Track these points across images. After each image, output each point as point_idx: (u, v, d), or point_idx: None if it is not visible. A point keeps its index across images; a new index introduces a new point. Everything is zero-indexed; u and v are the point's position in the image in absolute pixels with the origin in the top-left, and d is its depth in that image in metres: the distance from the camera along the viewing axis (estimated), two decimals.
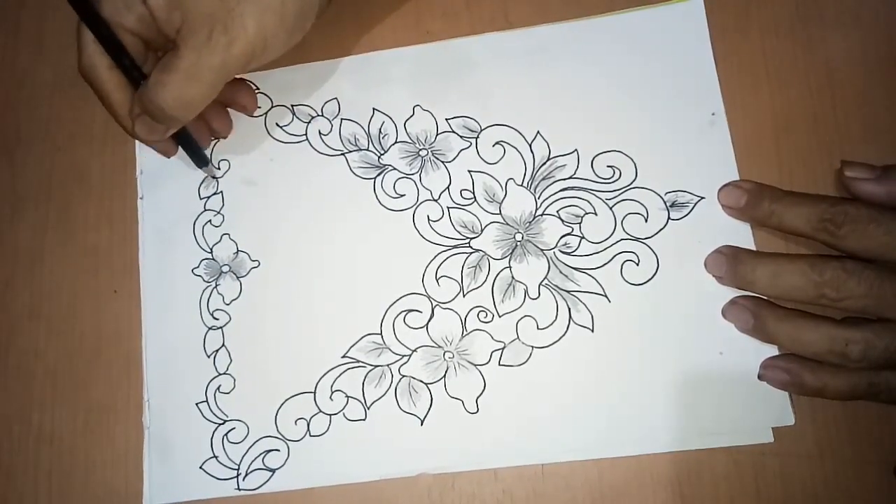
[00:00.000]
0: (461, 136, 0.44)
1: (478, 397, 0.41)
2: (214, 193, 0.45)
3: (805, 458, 0.39)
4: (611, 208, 0.43)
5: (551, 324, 0.42)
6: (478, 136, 0.44)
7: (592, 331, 0.41)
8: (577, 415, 0.40)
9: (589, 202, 0.43)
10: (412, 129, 0.45)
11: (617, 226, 0.42)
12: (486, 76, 0.45)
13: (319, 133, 0.45)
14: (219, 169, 0.45)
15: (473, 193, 0.44)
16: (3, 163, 0.46)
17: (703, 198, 0.42)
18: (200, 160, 0.44)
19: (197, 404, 0.42)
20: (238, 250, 0.44)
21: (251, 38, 0.38)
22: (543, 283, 0.42)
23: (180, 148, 0.44)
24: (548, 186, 0.43)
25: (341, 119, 0.45)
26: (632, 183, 0.43)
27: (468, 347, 0.42)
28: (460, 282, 0.43)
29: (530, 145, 0.44)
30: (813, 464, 0.39)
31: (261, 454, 0.41)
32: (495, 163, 0.44)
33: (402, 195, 0.44)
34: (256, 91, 0.46)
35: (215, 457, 0.41)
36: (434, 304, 0.42)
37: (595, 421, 0.40)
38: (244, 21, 0.38)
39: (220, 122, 0.45)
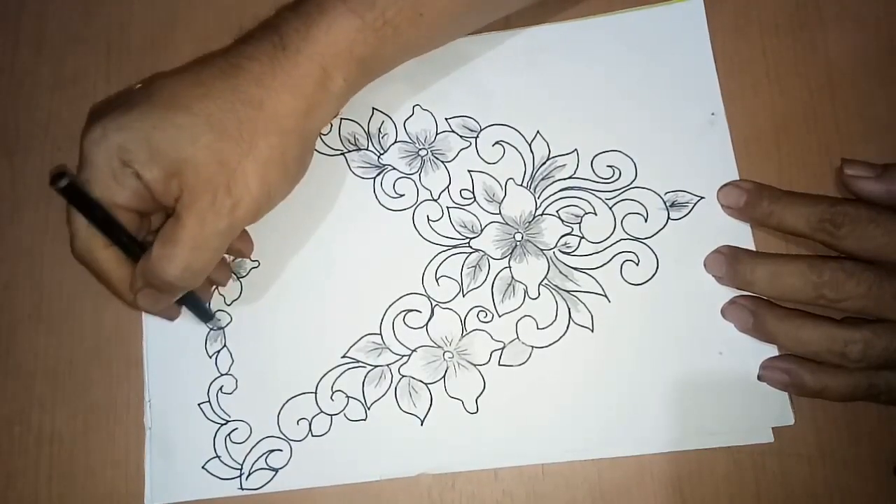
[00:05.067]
0: (461, 136, 0.44)
1: (478, 397, 0.41)
2: None
3: (805, 458, 0.40)
4: (610, 208, 0.43)
5: (551, 324, 0.42)
6: (477, 136, 0.44)
7: (592, 331, 0.41)
8: (577, 415, 0.40)
9: (589, 202, 0.43)
10: (412, 128, 0.45)
11: (617, 226, 0.42)
12: (486, 76, 0.45)
13: (319, 132, 0.45)
14: (220, 320, 0.43)
15: (473, 193, 0.44)
16: (3, 163, 0.46)
17: (702, 198, 0.42)
18: (205, 316, 0.42)
19: (199, 405, 0.42)
20: None
21: (256, 196, 0.37)
22: (543, 283, 0.42)
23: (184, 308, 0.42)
24: (547, 186, 0.43)
25: (341, 118, 0.45)
26: (631, 183, 0.43)
27: (468, 347, 0.42)
28: (460, 282, 0.43)
29: (530, 145, 0.44)
30: (813, 464, 0.39)
31: (264, 454, 0.41)
32: (495, 162, 0.44)
33: (401, 195, 0.44)
34: None
35: (218, 457, 0.41)
36: (434, 303, 0.42)
37: (595, 421, 0.40)
38: (247, 180, 0.36)
39: (219, 272, 0.42)
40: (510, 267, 0.42)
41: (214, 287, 0.43)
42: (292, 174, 0.39)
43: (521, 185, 0.43)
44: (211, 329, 0.43)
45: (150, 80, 0.38)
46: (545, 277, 0.42)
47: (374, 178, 0.44)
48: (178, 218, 0.36)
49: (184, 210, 0.36)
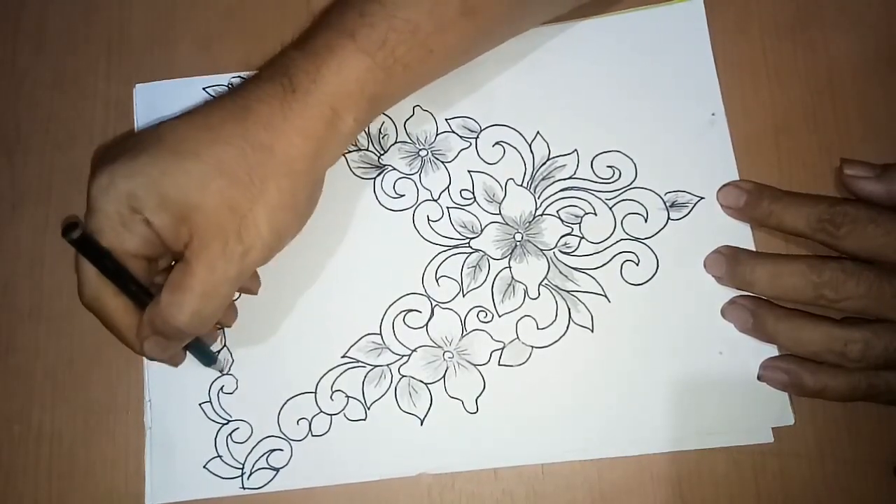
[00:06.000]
0: (461, 137, 0.44)
1: (477, 397, 0.41)
2: None
3: (805, 458, 0.40)
4: (610, 208, 0.43)
5: (551, 324, 0.42)
6: (477, 137, 0.44)
7: (592, 331, 0.41)
8: (577, 415, 0.40)
9: (589, 202, 0.43)
10: (412, 129, 0.45)
11: (617, 226, 0.42)
12: (487, 76, 0.45)
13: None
14: (223, 364, 0.42)
15: (473, 193, 0.44)
16: (3, 163, 0.46)
17: (702, 198, 0.42)
18: (209, 360, 0.41)
19: (200, 405, 0.42)
20: None
21: (266, 240, 0.36)
22: (543, 283, 0.42)
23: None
24: (547, 186, 0.43)
25: None
26: (631, 183, 0.43)
27: (468, 347, 0.42)
28: (460, 282, 0.43)
29: (530, 145, 0.44)
30: (813, 464, 0.39)
31: (265, 453, 0.41)
32: (495, 163, 0.44)
33: (401, 195, 0.44)
34: None
35: (219, 456, 0.41)
36: (434, 303, 0.42)
37: (595, 421, 0.40)
38: (257, 225, 0.36)
39: (226, 314, 0.42)
40: (510, 267, 0.42)
41: (221, 329, 0.43)
42: (302, 214, 0.39)
43: (521, 186, 0.43)
44: (220, 374, 0.42)
45: (158, 123, 0.38)
46: (545, 277, 0.42)
47: (374, 178, 0.44)
48: (187, 264, 0.35)
49: (193, 256, 0.35)
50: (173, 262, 0.39)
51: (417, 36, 0.37)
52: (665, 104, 0.44)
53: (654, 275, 0.42)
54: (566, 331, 0.42)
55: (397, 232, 0.43)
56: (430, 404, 0.41)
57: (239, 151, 0.36)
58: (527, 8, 0.41)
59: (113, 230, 0.36)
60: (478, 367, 0.41)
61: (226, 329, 0.43)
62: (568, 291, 0.42)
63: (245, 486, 0.41)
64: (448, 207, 0.44)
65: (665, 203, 0.43)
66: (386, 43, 0.37)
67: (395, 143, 0.45)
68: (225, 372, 0.42)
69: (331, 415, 0.41)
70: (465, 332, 0.42)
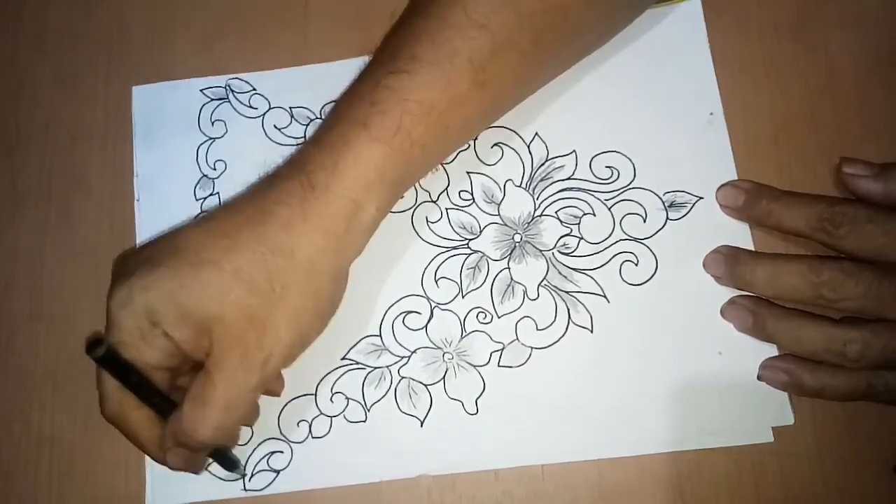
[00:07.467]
0: None
1: (477, 398, 0.41)
2: (211, 195, 0.45)
3: (805, 458, 0.40)
4: (609, 209, 0.43)
5: (550, 324, 0.42)
6: (476, 138, 0.44)
7: (592, 331, 0.41)
8: (577, 415, 0.40)
9: (587, 203, 0.43)
10: None
11: (615, 226, 0.42)
12: None
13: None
14: (245, 472, 0.41)
15: (472, 195, 0.44)
16: (3, 163, 0.46)
17: (701, 198, 0.42)
18: (231, 465, 0.40)
19: None
20: None
21: (287, 345, 0.35)
22: (542, 284, 0.42)
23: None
24: (546, 187, 0.43)
25: None
26: (630, 183, 0.43)
27: (467, 348, 0.42)
28: (459, 283, 0.43)
29: (528, 146, 0.44)
30: (813, 464, 0.39)
31: (265, 455, 0.41)
32: (493, 164, 0.44)
33: (400, 197, 0.44)
34: (254, 92, 0.46)
35: None
36: (433, 305, 0.42)
37: (595, 421, 0.40)
38: (278, 331, 0.35)
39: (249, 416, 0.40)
40: (509, 268, 0.42)
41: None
42: (325, 314, 0.38)
43: (520, 187, 0.43)
44: (239, 477, 0.41)
45: (175, 231, 0.37)
46: (544, 278, 0.42)
47: None
48: (208, 376, 0.35)
49: (214, 368, 0.35)
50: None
51: (432, 115, 0.36)
52: (663, 104, 0.43)
53: (653, 275, 0.42)
54: (566, 331, 0.42)
55: (396, 233, 0.43)
56: (430, 406, 0.41)
57: (258, 258, 0.35)
58: (537, 71, 0.41)
59: (133, 344, 0.35)
60: (477, 368, 0.41)
61: None
62: (567, 292, 0.42)
63: (246, 488, 0.41)
64: (447, 209, 0.44)
65: (664, 203, 0.43)
66: (401, 128, 0.36)
67: None
68: (245, 475, 0.41)
69: (331, 416, 0.41)
70: (464, 334, 0.42)
